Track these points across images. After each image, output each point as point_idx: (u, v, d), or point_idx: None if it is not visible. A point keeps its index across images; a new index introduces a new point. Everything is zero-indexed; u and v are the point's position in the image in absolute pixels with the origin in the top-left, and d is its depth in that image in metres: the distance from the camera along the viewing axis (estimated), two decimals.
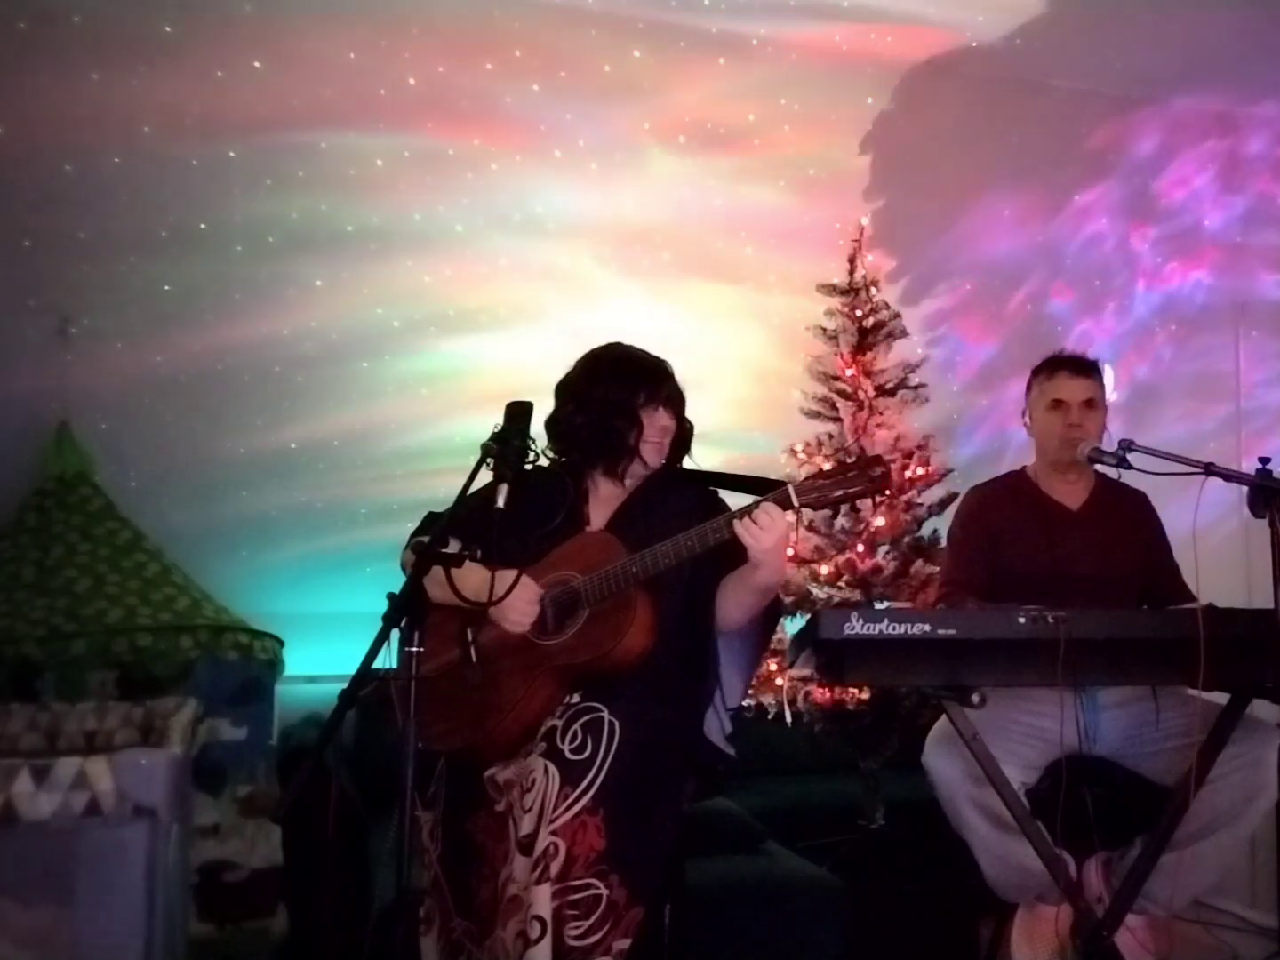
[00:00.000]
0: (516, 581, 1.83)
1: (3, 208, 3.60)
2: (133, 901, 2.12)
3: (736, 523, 1.86)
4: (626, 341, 2.25)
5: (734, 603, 2.03)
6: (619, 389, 2.12)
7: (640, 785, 1.85)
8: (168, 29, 3.64)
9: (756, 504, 1.86)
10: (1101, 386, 2.59)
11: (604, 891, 1.75)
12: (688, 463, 2.25)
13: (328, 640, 3.64)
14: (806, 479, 1.89)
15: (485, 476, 1.84)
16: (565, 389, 2.18)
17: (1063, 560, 2.48)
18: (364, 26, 3.81)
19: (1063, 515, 2.58)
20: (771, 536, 1.84)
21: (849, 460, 1.92)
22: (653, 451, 2.14)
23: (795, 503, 1.86)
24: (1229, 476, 2.21)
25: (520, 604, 1.95)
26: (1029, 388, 2.67)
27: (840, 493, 1.86)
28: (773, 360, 4.41)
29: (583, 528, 2.13)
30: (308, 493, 4.14)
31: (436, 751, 2.01)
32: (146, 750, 2.42)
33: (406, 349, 4.15)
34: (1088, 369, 2.58)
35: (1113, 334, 4.88)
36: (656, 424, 2.13)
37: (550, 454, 2.20)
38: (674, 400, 2.16)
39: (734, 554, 1.93)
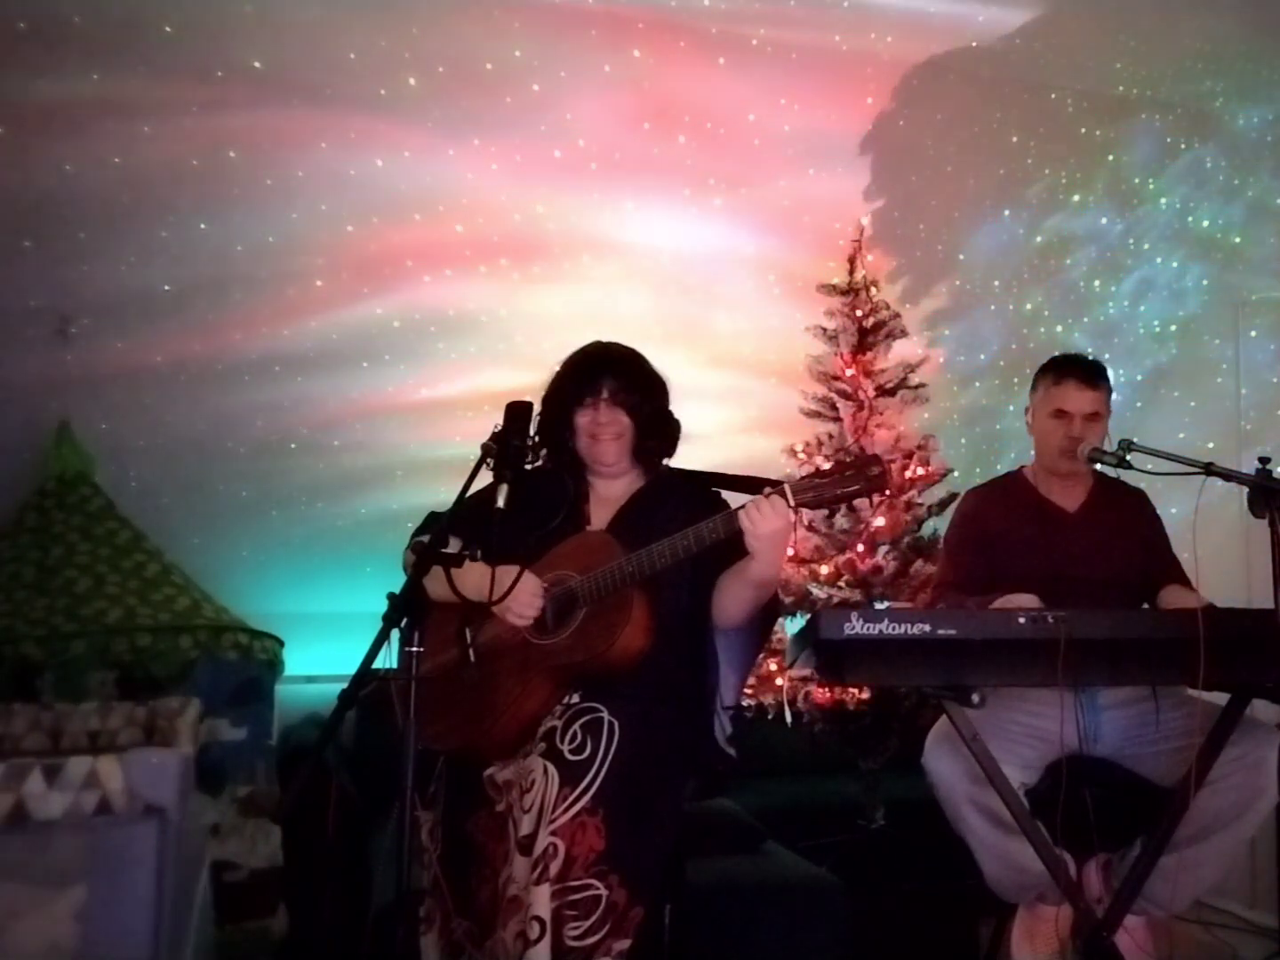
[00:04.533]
0: (519, 578, 1.83)
1: (3, 208, 3.60)
2: (143, 900, 2.12)
3: (741, 510, 1.86)
4: (613, 340, 2.24)
5: (729, 596, 2.03)
6: (554, 391, 2.18)
7: (640, 785, 1.85)
8: (168, 29, 3.64)
9: (766, 494, 1.86)
10: (1108, 396, 2.54)
11: (604, 892, 1.75)
12: (686, 464, 2.25)
13: (328, 640, 3.65)
14: (803, 478, 1.88)
15: (486, 476, 1.84)
16: None
17: (1061, 562, 2.47)
18: (364, 26, 3.81)
19: (1060, 517, 2.57)
20: (768, 524, 1.83)
21: (847, 460, 1.91)
22: (600, 450, 2.14)
23: (791, 502, 1.85)
24: (1229, 476, 2.21)
25: (525, 596, 1.94)
26: (1034, 386, 2.62)
27: (837, 492, 1.85)
28: (773, 360, 4.41)
29: (583, 527, 2.13)
30: (308, 493, 4.14)
31: (434, 751, 2.01)
32: (157, 749, 2.43)
33: (406, 349, 4.15)
34: (1095, 380, 2.51)
35: (1112, 333, 4.88)
36: (594, 420, 2.13)
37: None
38: (619, 393, 2.13)
39: (733, 549, 1.92)
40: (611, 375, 2.14)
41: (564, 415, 2.15)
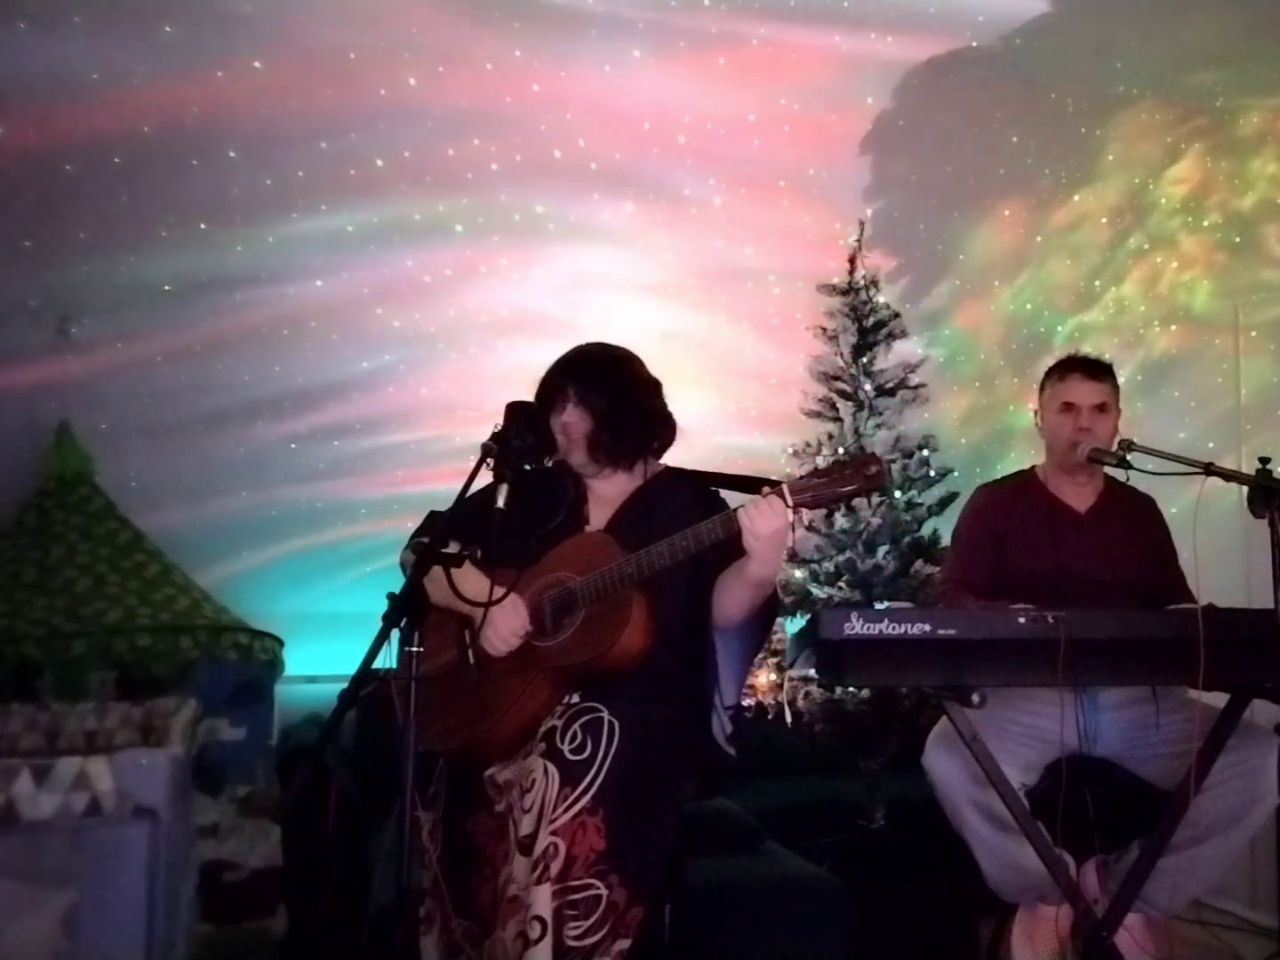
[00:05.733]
0: (506, 594, 1.83)
1: (3, 208, 3.60)
2: (133, 901, 2.12)
3: (740, 509, 1.86)
4: (611, 341, 2.25)
5: (728, 596, 2.03)
6: (536, 396, 2.18)
7: (640, 785, 1.85)
8: (168, 29, 3.64)
9: (764, 494, 1.86)
10: (1115, 390, 2.57)
11: (604, 892, 1.75)
12: (686, 463, 2.25)
13: (328, 640, 3.64)
14: (800, 478, 1.88)
15: (486, 477, 1.84)
16: None
17: (1068, 562, 2.48)
18: (364, 26, 3.81)
19: (1070, 517, 2.57)
20: (766, 524, 1.84)
21: (844, 459, 1.91)
22: (571, 453, 2.16)
23: (789, 502, 1.85)
24: (1229, 476, 2.21)
25: (504, 632, 1.95)
26: (1042, 388, 2.66)
27: (835, 491, 1.84)
28: (773, 360, 4.41)
29: (582, 528, 2.13)
30: (308, 493, 4.14)
31: (435, 752, 2.01)
32: (147, 750, 2.42)
33: (406, 349, 4.15)
34: (1100, 372, 2.56)
35: (1112, 333, 4.88)
36: (561, 427, 2.14)
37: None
38: (579, 396, 2.14)
39: (732, 549, 1.92)
40: (573, 377, 2.15)
41: (539, 417, 2.15)
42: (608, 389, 2.15)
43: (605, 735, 1.84)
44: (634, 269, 4.30)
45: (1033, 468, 2.72)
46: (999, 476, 2.82)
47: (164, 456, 3.93)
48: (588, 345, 2.23)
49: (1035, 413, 2.69)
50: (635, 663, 1.94)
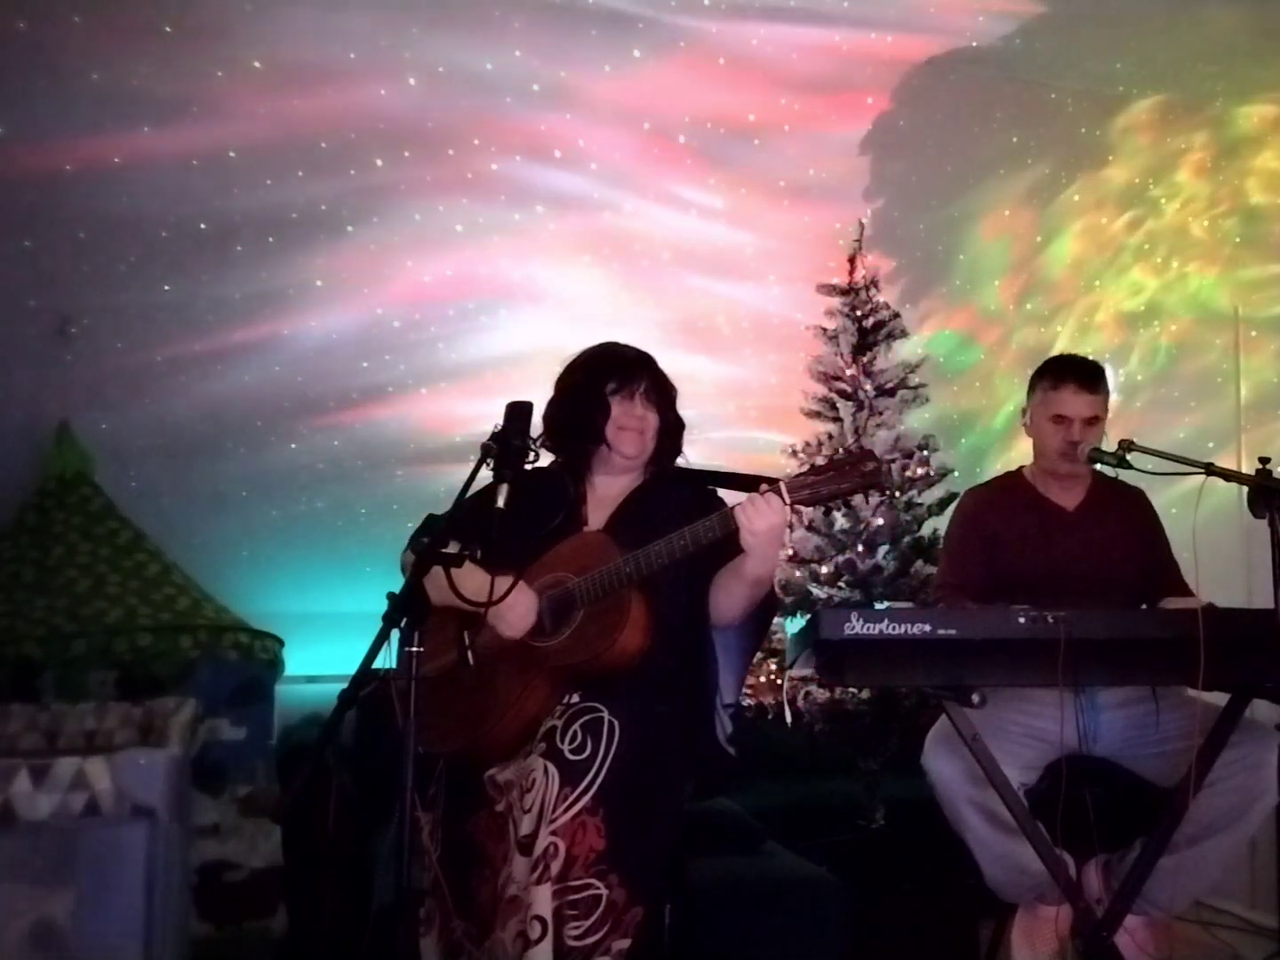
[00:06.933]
0: (515, 584, 1.83)
1: (3, 208, 3.60)
2: (132, 901, 2.12)
3: (737, 506, 1.86)
4: (624, 341, 2.25)
5: (726, 594, 2.03)
6: (590, 376, 2.18)
7: (640, 785, 1.84)
8: (168, 29, 3.64)
9: (761, 491, 1.86)
10: (1106, 398, 2.53)
11: (604, 891, 1.75)
12: (682, 462, 2.25)
13: (328, 640, 3.64)
14: (797, 476, 1.87)
15: (485, 476, 1.84)
16: (555, 383, 2.24)
17: (1060, 561, 2.48)
18: (364, 27, 3.81)
19: (1059, 516, 2.57)
20: (763, 521, 1.84)
21: (842, 457, 1.91)
22: (626, 441, 2.14)
23: (787, 499, 1.85)
24: (1229, 476, 2.21)
25: (519, 609, 1.95)
26: (1032, 387, 2.61)
27: (832, 489, 1.84)
28: (773, 360, 4.41)
29: (581, 528, 2.13)
30: (308, 493, 4.14)
31: (434, 754, 2.01)
32: (145, 750, 2.42)
33: (406, 349, 4.15)
34: (1094, 383, 2.50)
35: (1112, 333, 4.88)
36: (628, 412, 2.14)
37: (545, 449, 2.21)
38: (652, 392, 2.16)
39: (730, 547, 1.92)
40: (649, 374, 2.18)
41: (598, 394, 2.14)
42: (669, 395, 2.21)
43: (605, 735, 1.84)
44: (634, 268, 4.30)
45: (1019, 469, 2.70)
46: (985, 480, 2.81)
47: (164, 456, 3.93)
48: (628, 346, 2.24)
49: (1023, 411, 2.65)
50: (634, 662, 1.94)
